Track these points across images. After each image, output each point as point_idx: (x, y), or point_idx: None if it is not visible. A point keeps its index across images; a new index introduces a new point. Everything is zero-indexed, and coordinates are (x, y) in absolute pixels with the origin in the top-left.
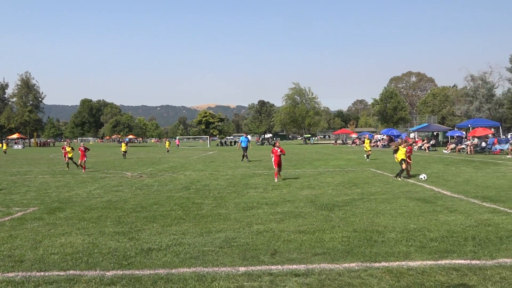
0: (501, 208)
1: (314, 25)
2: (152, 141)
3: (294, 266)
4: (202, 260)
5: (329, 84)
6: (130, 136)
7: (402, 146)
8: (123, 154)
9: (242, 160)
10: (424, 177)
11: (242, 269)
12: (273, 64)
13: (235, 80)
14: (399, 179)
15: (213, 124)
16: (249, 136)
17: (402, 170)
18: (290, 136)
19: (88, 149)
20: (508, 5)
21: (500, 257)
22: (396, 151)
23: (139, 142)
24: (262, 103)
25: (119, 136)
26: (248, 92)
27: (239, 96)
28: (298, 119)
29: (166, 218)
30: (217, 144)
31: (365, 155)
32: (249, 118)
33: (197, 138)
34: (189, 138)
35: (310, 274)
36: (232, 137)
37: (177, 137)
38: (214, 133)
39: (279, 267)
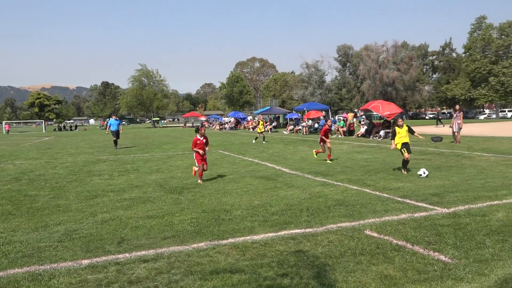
0: (330, 181)
1: (163, 5)
2: None
3: (143, 252)
4: (37, 257)
5: (178, 67)
6: None
7: (398, 124)
8: None
9: (116, 147)
10: (424, 173)
11: (85, 261)
12: (117, 44)
13: (73, 58)
14: (404, 172)
15: (49, 107)
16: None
17: (405, 161)
18: (138, 120)
19: None
20: (338, 1)
21: (328, 223)
22: (394, 135)
23: None
24: (106, 85)
25: None
26: (89, 72)
27: (80, 76)
28: (146, 102)
29: None
30: (55, 129)
31: (255, 139)
32: (92, 101)
33: (30, 122)
34: (19, 122)
35: (160, 258)
36: (72, 121)
37: (4, 122)
38: (50, 117)
39: (127, 255)
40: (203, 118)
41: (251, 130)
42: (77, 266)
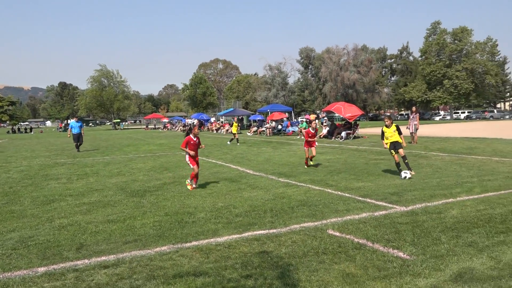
0: (293, 182)
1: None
2: None
3: (103, 258)
4: None
5: (139, 67)
6: None
7: (386, 124)
8: None
9: (78, 150)
10: (407, 175)
11: (41, 269)
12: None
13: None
14: (410, 174)
15: (1, 109)
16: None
17: (397, 163)
18: (98, 122)
19: None
20: (300, 3)
21: (292, 224)
22: (382, 135)
23: None
24: (63, 85)
25: None
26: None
27: (35, 76)
28: (106, 103)
29: None
30: (8, 132)
31: (229, 141)
32: (48, 102)
33: None
34: None
35: (121, 264)
36: (27, 123)
37: None
38: (3, 119)
39: (86, 261)
40: (165, 120)
41: (215, 131)
42: (33, 274)
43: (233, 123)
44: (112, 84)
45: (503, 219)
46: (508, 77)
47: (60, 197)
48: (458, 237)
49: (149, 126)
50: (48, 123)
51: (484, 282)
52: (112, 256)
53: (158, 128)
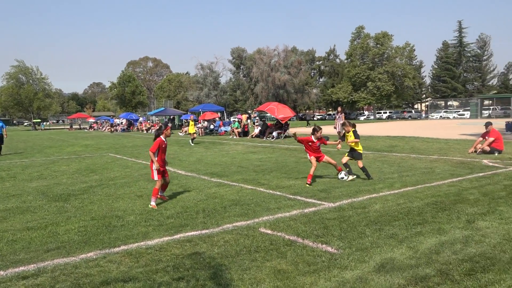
0: (225, 182)
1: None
2: None
3: (22, 268)
4: None
5: (62, 64)
6: None
7: (347, 130)
8: None
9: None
10: (346, 175)
11: None
12: None
13: None
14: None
15: None
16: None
17: (364, 170)
18: (15, 121)
19: None
20: (230, 2)
21: (224, 223)
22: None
23: None
24: None
25: None
26: None
27: None
28: (24, 102)
29: None
30: None
31: (190, 140)
32: None
33: None
34: None
35: (42, 273)
36: None
37: None
38: None
39: (2, 272)
40: (91, 120)
41: (145, 131)
42: None
43: (189, 123)
44: (31, 81)
45: (420, 212)
46: (424, 80)
47: None
48: (380, 230)
49: (73, 126)
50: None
51: (404, 270)
52: (32, 265)
53: (84, 128)
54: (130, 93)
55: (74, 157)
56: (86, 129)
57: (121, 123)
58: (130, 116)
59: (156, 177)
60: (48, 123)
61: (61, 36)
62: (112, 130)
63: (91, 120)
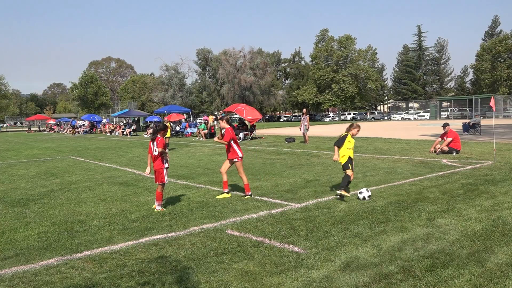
0: (192, 184)
1: None
2: None
3: None
4: None
5: (18, 64)
6: None
7: (351, 132)
8: None
9: None
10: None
11: None
12: None
13: None
14: (345, 193)
15: None
16: None
17: (348, 179)
18: None
19: None
20: (194, 2)
21: (191, 226)
22: (341, 143)
23: None
24: None
25: None
26: None
27: None
28: None
29: None
30: None
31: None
32: None
33: None
34: None
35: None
36: None
37: None
38: None
39: None
40: (52, 122)
41: (108, 133)
42: None
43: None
44: None
45: (383, 210)
46: (386, 82)
47: None
48: (346, 229)
49: (32, 129)
50: None
51: (368, 268)
52: None
53: (43, 130)
54: (92, 94)
55: (33, 161)
56: (46, 131)
57: (83, 125)
58: (93, 118)
59: (166, 179)
60: (5, 125)
61: (18, 33)
62: (74, 132)
63: (51, 122)
